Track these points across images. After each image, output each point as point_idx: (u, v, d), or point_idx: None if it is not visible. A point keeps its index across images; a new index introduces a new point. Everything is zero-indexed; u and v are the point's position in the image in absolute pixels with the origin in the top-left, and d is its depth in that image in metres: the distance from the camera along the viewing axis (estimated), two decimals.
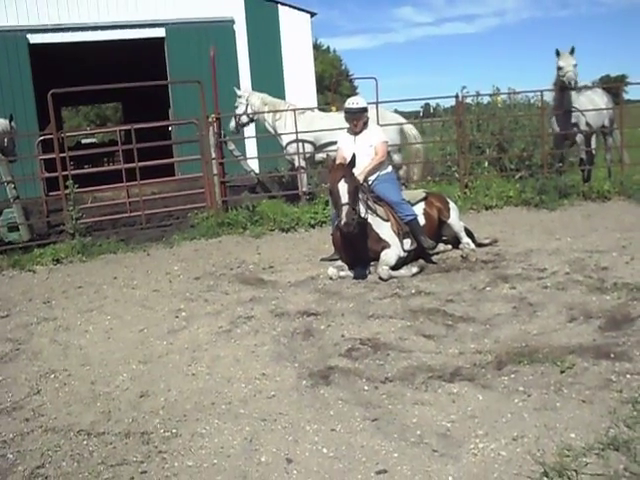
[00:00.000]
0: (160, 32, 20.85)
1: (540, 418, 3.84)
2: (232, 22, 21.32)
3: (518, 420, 3.86)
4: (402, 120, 12.73)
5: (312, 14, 22.79)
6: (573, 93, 11.52)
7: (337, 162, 7.61)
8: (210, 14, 20.89)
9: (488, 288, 6.64)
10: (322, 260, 8.15)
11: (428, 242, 7.75)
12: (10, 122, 11.80)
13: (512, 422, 3.84)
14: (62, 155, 10.71)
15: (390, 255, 7.40)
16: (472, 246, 8.13)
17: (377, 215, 7.55)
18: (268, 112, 12.06)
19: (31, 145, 14.16)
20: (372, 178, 7.80)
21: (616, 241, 8.06)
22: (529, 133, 13.81)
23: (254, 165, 15.41)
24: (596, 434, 3.59)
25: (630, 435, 3.54)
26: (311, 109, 13.35)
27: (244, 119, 12.12)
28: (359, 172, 7.47)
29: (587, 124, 11.73)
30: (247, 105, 12.06)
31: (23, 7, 19.49)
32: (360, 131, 7.91)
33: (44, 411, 4.60)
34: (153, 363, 5.33)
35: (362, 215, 7.30)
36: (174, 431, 4.11)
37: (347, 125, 8.09)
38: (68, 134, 13.85)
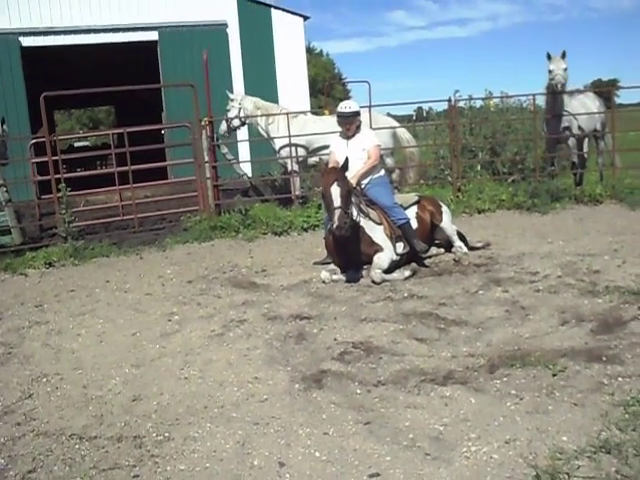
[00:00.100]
0: (153, 35, 20.84)
1: (532, 421, 3.85)
2: (225, 26, 21.33)
3: (510, 423, 3.86)
4: (395, 124, 12.76)
5: (305, 17, 22.82)
6: (565, 97, 11.57)
7: (330, 166, 7.62)
8: (203, 17, 20.89)
9: (481, 291, 6.66)
10: (315, 264, 8.15)
11: (421, 245, 7.76)
12: (2, 125, 11.78)
13: (504, 425, 3.85)
14: (54, 158, 10.68)
15: (383, 259, 7.40)
16: (465, 249, 8.15)
17: (370, 219, 7.56)
18: (261, 116, 12.07)
19: (23, 148, 14.11)
20: (365, 182, 7.81)
21: (608, 244, 8.09)
22: (521, 137, 13.85)
23: (247, 169, 15.39)
24: (588, 437, 3.60)
25: (622, 438, 3.55)
26: (304, 113, 13.35)
27: (236, 122, 12.11)
28: (352, 176, 7.48)
29: (579, 128, 11.78)
30: (240, 109, 12.06)
31: (15, 10, 19.45)
32: (353, 135, 7.92)
33: (36, 415, 4.58)
34: (145, 367, 5.32)
35: (355, 219, 7.31)
36: (166, 435, 4.10)
37: (340, 129, 8.10)
38: (61, 137, 13.83)
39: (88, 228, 11.42)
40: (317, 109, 16.93)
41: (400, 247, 7.64)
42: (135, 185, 11.61)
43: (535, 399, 4.15)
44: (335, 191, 7.05)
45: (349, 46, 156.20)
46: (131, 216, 11.41)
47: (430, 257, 8.12)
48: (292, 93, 21.24)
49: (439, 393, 4.36)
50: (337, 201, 7.01)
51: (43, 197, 12.58)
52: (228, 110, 12.12)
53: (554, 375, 4.46)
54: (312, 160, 12.08)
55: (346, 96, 47.62)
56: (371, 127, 10.32)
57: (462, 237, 8.37)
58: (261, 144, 14.68)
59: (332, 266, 7.63)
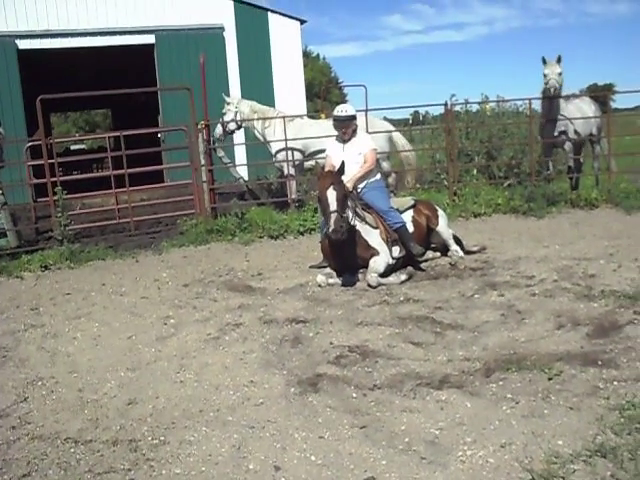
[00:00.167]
0: (150, 39, 20.84)
1: (528, 425, 3.85)
2: (222, 29, 21.35)
3: (506, 427, 3.87)
4: (391, 128, 12.77)
5: (302, 21, 22.85)
6: (561, 101, 11.60)
7: (326, 170, 7.63)
8: (200, 21, 20.90)
9: (476, 295, 6.66)
10: (311, 267, 8.15)
11: (417, 249, 7.76)
12: None
13: (500, 429, 3.85)
14: (51, 161, 10.68)
15: (379, 262, 7.41)
16: (460, 253, 8.16)
17: (366, 222, 7.57)
18: (257, 119, 12.07)
19: (19, 151, 14.08)
20: (361, 185, 7.82)
21: (604, 249, 8.11)
22: (517, 141, 13.86)
23: (243, 172, 15.40)
24: (583, 441, 3.61)
25: (617, 442, 3.55)
26: (300, 116, 13.36)
27: (232, 126, 12.12)
28: (348, 180, 7.48)
29: (576, 132, 11.81)
30: (236, 112, 12.06)
31: (12, 12, 19.43)
32: (349, 139, 7.93)
33: (31, 419, 4.57)
34: (141, 370, 5.31)
35: (351, 222, 7.31)
36: (162, 439, 4.10)
37: (336, 133, 8.11)
38: (57, 140, 13.84)
39: (84, 231, 11.40)
40: (313, 113, 16.96)
41: (396, 251, 7.64)
42: (131, 188, 11.61)
43: (531, 403, 4.15)
44: (331, 195, 7.05)
45: (346, 50, 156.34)
46: (127, 219, 11.41)
47: (426, 261, 8.12)
48: (289, 97, 21.28)
49: (435, 397, 4.36)
50: (333, 205, 7.02)
51: (39, 200, 12.58)
52: (224, 113, 12.12)
53: (550, 379, 4.47)
54: (308, 164, 12.08)
55: (342, 100, 47.68)
56: (367, 131, 10.33)
57: (458, 241, 8.38)
58: (257, 148, 14.65)
59: (328, 270, 7.64)
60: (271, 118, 12.05)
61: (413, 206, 8.23)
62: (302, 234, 10.44)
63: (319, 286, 7.35)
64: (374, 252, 7.46)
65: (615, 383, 4.32)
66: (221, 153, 12.52)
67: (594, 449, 3.50)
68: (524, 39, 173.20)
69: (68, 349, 5.95)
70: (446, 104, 12.16)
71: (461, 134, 14.05)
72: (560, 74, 11.12)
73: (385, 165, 12.16)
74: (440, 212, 8.45)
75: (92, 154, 27.49)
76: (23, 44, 19.67)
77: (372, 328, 5.84)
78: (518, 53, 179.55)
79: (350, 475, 3.53)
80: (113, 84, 22.78)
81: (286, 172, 11.95)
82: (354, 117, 7.99)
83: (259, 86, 20.95)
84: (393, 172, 12.68)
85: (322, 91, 22.28)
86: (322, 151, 9.90)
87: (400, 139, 12.56)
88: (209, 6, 21.14)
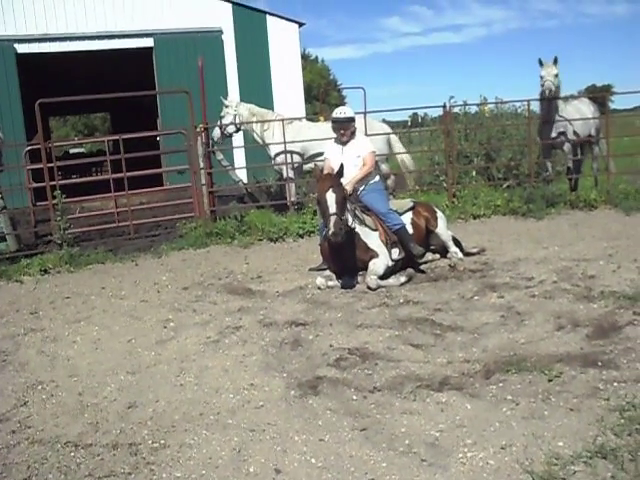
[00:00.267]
0: (148, 42, 20.85)
1: (528, 427, 3.85)
2: (220, 32, 21.36)
3: (506, 429, 3.87)
4: (388, 131, 12.77)
5: (300, 24, 22.85)
6: (560, 102, 11.62)
7: (325, 172, 7.63)
8: (198, 24, 20.91)
9: (476, 297, 6.66)
10: (310, 270, 8.15)
11: (417, 249, 7.74)
12: None
13: (500, 431, 3.85)
14: (50, 165, 10.68)
15: (378, 265, 7.41)
16: (460, 255, 8.16)
17: (365, 225, 7.57)
18: (256, 122, 12.08)
19: (18, 155, 14.05)
20: (360, 188, 7.82)
21: (603, 250, 8.11)
22: (516, 142, 13.88)
23: (242, 175, 15.39)
24: (584, 442, 3.61)
25: (617, 443, 3.55)
26: (299, 119, 13.37)
27: (231, 129, 12.12)
28: (347, 182, 7.48)
29: (575, 133, 11.82)
30: (235, 115, 12.06)
31: (10, 16, 19.44)
32: (347, 141, 7.93)
33: (31, 423, 4.56)
34: (141, 374, 5.31)
35: (350, 225, 7.31)
36: (162, 442, 4.09)
37: (335, 135, 8.11)
38: (56, 144, 13.84)
39: (83, 235, 11.41)
40: (312, 115, 16.96)
41: (395, 253, 7.64)
42: (130, 192, 11.60)
43: (531, 404, 4.15)
44: (330, 197, 7.06)
45: (344, 52, 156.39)
46: (126, 223, 11.39)
47: (425, 263, 8.12)
48: (287, 99, 21.28)
49: (435, 399, 4.36)
50: (332, 207, 7.02)
51: (38, 204, 12.54)
52: (222, 116, 12.12)
53: (550, 380, 4.47)
54: (307, 166, 12.08)
55: (341, 102, 47.74)
56: (366, 133, 10.33)
57: (457, 243, 8.38)
58: (256, 150, 14.68)
59: (328, 272, 7.64)
60: (270, 121, 12.06)
61: (412, 208, 8.23)
62: (301, 237, 10.44)
63: (319, 289, 7.35)
64: (373, 254, 7.46)
65: (615, 384, 4.32)
66: (220, 156, 12.53)
67: (594, 450, 3.50)
68: (522, 40, 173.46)
69: (68, 353, 5.95)
70: (445, 106, 12.17)
71: (460, 136, 14.09)
72: (556, 75, 11.14)
73: (384, 167, 12.17)
74: (439, 214, 8.46)
75: (91, 158, 27.46)
76: (22, 48, 19.67)
77: (372, 330, 5.84)
78: (516, 54, 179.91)
79: (351, 478, 3.52)
80: (112, 88, 22.75)
81: (285, 175, 11.95)
82: (353, 119, 7.99)
83: (258, 89, 20.96)
84: (392, 174, 12.68)
85: (321, 93, 22.31)
86: (321, 154, 9.88)
87: (396, 142, 12.57)
88: (207, 9, 21.15)
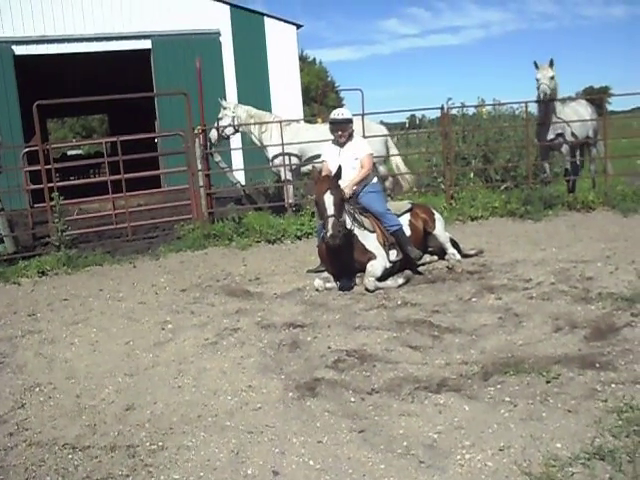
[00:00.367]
0: (146, 44, 20.88)
1: (526, 428, 3.85)
2: (218, 34, 21.39)
3: (504, 430, 3.87)
4: (387, 132, 12.78)
5: (298, 26, 22.89)
6: (558, 104, 11.64)
7: (322, 174, 7.63)
8: (196, 26, 20.94)
9: (474, 299, 6.67)
10: (308, 272, 8.15)
11: (415, 252, 7.75)
12: None
13: (498, 432, 3.85)
14: (47, 167, 10.67)
15: (376, 266, 7.41)
16: (458, 257, 8.16)
17: (363, 226, 7.57)
18: (254, 124, 12.08)
19: (16, 157, 14.06)
20: (358, 189, 7.82)
21: (601, 251, 8.12)
22: (514, 144, 13.90)
23: (240, 177, 15.39)
24: (582, 444, 3.61)
25: (615, 444, 3.55)
26: (297, 121, 13.37)
27: (228, 131, 12.12)
28: (345, 185, 7.48)
29: (572, 135, 11.84)
30: (233, 117, 12.06)
31: (8, 18, 19.46)
32: (345, 143, 7.93)
33: (28, 425, 4.55)
34: (139, 376, 5.30)
35: (348, 227, 7.31)
36: (160, 444, 4.09)
37: (332, 137, 8.10)
38: (54, 146, 13.81)
39: (81, 237, 11.38)
40: (310, 117, 16.95)
41: (393, 254, 7.64)
42: (128, 194, 11.60)
43: (529, 406, 4.15)
44: (328, 199, 7.06)
45: (342, 54, 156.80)
46: (124, 225, 11.39)
47: (423, 264, 8.13)
48: (285, 101, 21.32)
49: (433, 401, 4.36)
50: (330, 209, 7.02)
51: (36, 206, 12.54)
52: (220, 118, 12.12)
53: (548, 382, 4.47)
54: (305, 168, 12.09)
55: (339, 104, 47.67)
56: (364, 135, 10.34)
57: (455, 244, 8.38)
58: (254, 152, 14.69)
59: (325, 274, 7.63)
60: (268, 123, 12.06)
61: (410, 210, 8.23)
62: (299, 238, 10.44)
63: (317, 290, 7.35)
64: (371, 256, 7.46)
65: (613, 385, 4.33)
66: (218, 158, 12.52)
67: (592, 452, 3.50)
68: (520, 42, 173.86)
69: (66, 355, 5.94)
70: (442, 108, 12.19)
71: (458, 137, 14.10)
72: (552, 78, 11.15)
73: (382, 169, 12.17)
74: (437, 215, 8.46)
75: (89, 159, 27.47)
76: (19, 50, 19.70)
77: (370, 332, 5.84)
78: (514, 56, 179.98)
79: (348, 479, 3.52)
80: (110, 89, 22.74)
81: (283, 177, 11.96)
82: (350, 120, 7.99)
83: (255, 91, 20.99)
84: (390, 176, 12.69)
85: (319, 95, 22.29)
86: (319, 156, 9.89)
87: (392, 147, 12.59)
88: (205, 11, 21.18)
